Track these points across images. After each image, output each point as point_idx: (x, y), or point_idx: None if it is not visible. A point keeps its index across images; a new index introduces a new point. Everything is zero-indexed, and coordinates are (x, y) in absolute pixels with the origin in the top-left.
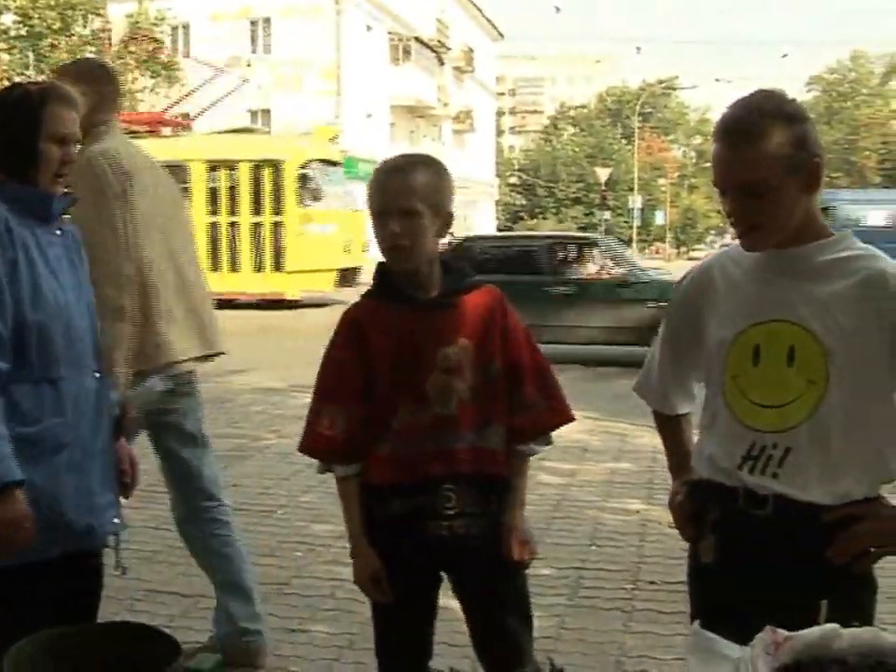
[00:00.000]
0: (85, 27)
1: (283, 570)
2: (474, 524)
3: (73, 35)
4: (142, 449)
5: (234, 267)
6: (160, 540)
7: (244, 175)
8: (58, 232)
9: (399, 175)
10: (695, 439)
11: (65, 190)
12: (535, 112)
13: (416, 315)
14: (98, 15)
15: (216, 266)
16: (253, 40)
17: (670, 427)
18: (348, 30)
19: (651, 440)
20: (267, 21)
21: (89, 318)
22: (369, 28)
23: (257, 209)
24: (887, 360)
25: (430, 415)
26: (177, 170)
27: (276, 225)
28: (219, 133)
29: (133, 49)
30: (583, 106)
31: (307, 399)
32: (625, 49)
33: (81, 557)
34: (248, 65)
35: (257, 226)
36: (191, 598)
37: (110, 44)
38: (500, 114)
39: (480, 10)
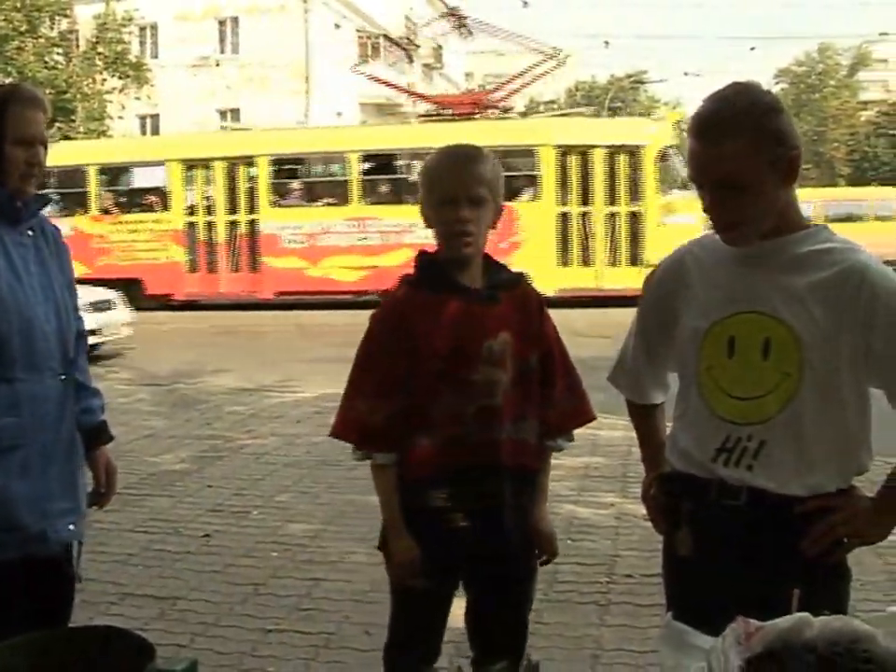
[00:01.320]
0: (52, 29)
1: (259, 571)
2: (513, 515)
3: (40, 36)
4: (123, 450)
5: (586, 261)
6: (135, 543)
7: (598, 160)
8: (29, 233)
9: (470, 162)
10: (668, 429)
11: (37, 192)
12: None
13: (466, 306)
14: (65, 16)
15: (566, 261)
16: (221, 40)
17: (644, 416)
18: (316, 28)
19: (626, 433)
20: (235, 20)
21: (56, 320)
22: (337, 26)
23: (612, 198)
24: (861, 352)
25: (476, 406)
26: (524, 155)
27: (634, 215)
28: (552, 115)
29: (101, 49)
30: (553, 101)
31: (280, 398)
32: (593, 43)
33: (47, 564)
34: (217, 65)
35: (612, 216)
36: (167, 601)
37: (77, 45)
38: None
39: (448, 7)
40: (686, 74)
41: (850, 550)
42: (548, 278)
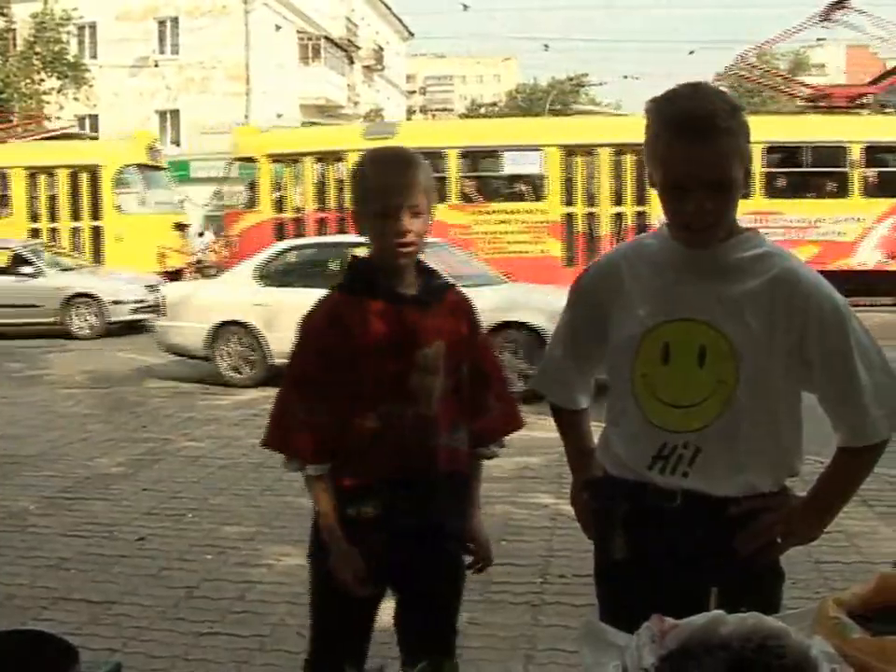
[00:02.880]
0: None
1: (192, 574)
2: (449, 522)
3: None
4: (59, 454)
5: None
6: (69, 547)
7: None
8: None
9: (407, 169)
10: (594, 432)
11: None
12: (445, 110)
13: (402, 313)
14: (2, 15)
15: None
16: (161, 40)
17: (571, 422)
18: (257, 29)
19: None
20: (175, 20)
21: None
22: (278, 27)
23: None
24: (795, 357)
25: (412, 413)
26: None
27: None
28: None
29: (38, 49)
30: (494, 104)
31: (218, 401)
32: (534, 46)
33: None
34: (156, 65)
35: None
36: (101, 605)
37: (15, 44)
38: (411, 112)
39: (389, 9)
40: (626, 77)
41: (784, 550)
42: None
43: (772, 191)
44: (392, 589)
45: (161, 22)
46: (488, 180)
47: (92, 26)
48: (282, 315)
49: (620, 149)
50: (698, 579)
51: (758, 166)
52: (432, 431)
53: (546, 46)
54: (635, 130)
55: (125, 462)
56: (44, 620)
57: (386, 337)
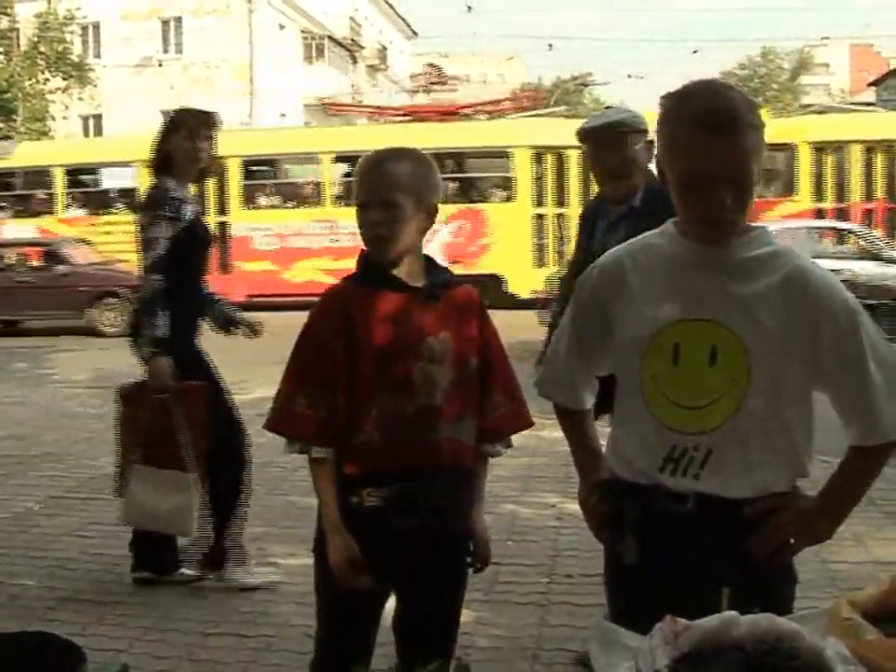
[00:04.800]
0: None
1: None
2: (450, 515)
3: None
4: (73, 455)
5: None
6: (74, 547)
7: None
8: None
9: (380, 166)
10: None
11: None
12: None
13: (406, 303)
14: (6, 14)
15: None
16: (165, 40)
17: (576, 422)
18: (261, 29)
19: None
20: (178, 20)
21: None
22: (281, 27)
23: None
24: (808, 358)
25: (415, 404)
26: None
27: None
28: None
29: (42, 49)
30: (498, 102)
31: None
32: (537, 45)
33: None
34: (160, 65)
35: None
36: (106, 605)
37: (18, 44)
38: None
39: (393, 8)
40: (630, 76)
41: (797, 551)
42: None
43: None
44: (392, 587)
45: (165, 22)
46: None
47: (96, 26)
48: None
49: None
50: (710, 581)
51: None
52: (435, 424)
53: (550, 45)
54: None
55: None
56: (49, 620)
57: (389, 325)
